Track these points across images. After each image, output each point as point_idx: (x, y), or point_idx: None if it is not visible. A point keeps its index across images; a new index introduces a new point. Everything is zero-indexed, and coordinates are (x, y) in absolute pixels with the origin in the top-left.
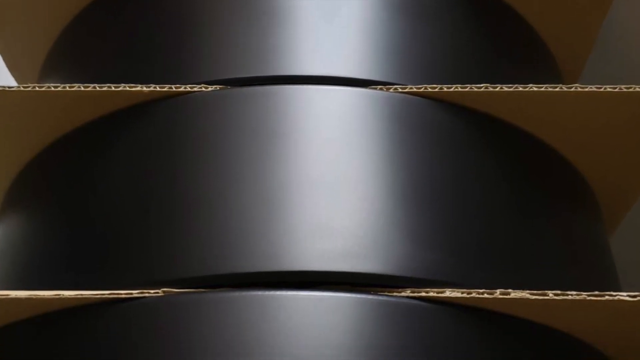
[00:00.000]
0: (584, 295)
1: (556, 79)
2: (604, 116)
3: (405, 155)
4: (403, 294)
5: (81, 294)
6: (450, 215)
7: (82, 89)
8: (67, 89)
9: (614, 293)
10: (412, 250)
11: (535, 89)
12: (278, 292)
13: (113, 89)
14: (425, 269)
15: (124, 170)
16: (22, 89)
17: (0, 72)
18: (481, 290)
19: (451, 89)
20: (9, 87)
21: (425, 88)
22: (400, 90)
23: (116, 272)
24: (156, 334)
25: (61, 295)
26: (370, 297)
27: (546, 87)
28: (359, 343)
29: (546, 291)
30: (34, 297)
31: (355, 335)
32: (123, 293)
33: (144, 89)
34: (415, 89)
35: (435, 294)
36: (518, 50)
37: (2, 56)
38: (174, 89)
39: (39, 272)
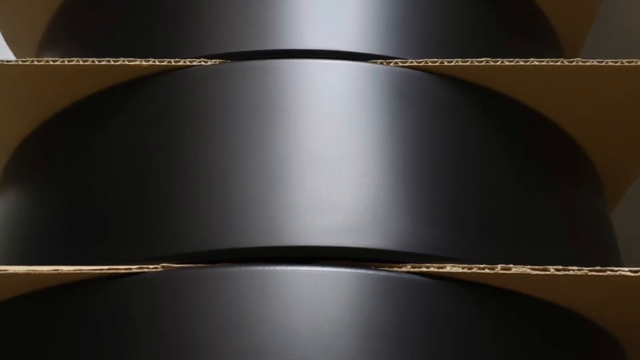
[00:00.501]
0: (585, 270)
1: (557, 53)
2: (605, 90)
3: (406, 130)
4: (403, 269)
5: (80, 269)
6: (451, 190)
7: (81, 63)
8: (66, 63)
9: (616, 268)
10: (413, 225)
11: (536, 63)
12: (278, 267)
13: (112, 63)
14: (425, 244)
15: (123, 145)
16: (20, 63)
17: None
18: (482, 266)
19: (452, 63)
20: (7, 61)
21: (426, 62)
22: (400, 64)
23: (115, 247)
24: (155, 309)
25: (60, 271)
26: (370, 272)
27: (547, 61)
28: (359, 318)
29: (547, 266)
30: (32, 272)
31: (355, 310)
32: (122, 268)
33: (143, 63)
34: (415, 63)
35: (435, 270)
36: (519, 24)
37: (1, 30)
38: (173, 63)
39: (37, 247)
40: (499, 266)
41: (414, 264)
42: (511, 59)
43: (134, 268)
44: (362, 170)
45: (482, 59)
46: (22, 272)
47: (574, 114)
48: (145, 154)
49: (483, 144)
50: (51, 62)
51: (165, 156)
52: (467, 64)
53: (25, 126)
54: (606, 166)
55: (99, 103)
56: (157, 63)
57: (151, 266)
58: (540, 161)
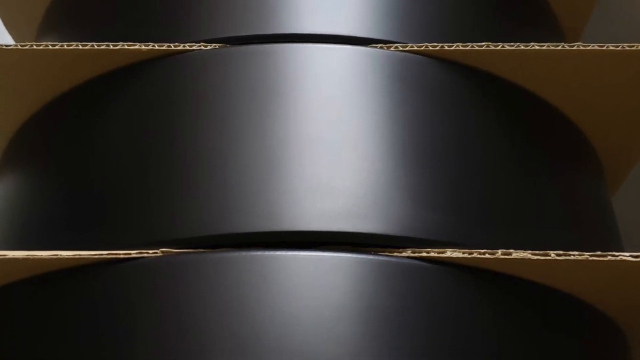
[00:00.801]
0: (586, 255)
1: (558, 37)
2: (606, 75)
3: (406, 114)
4: (404, 254)
5: (79, 254)
6: (452, 175)
7: (80, 47)
8: (65, 47)
9: (617, 253)
10: (413, 210)
11: (537, 47)
12: (278, 252)
13: (111, 47)
14: (426, 229)
15: (122, 129)
16: (19, 47)
17: None
18: (482, 251)
19: (452, 48)
20: (6, 46)
21: (426, 46)
22: (401, 48)
23: (114, 232)
24: (155, 294)
25: (59, 256)
26: (370, 257)
27: (548, 46)
28: (359, 303)
29: (548, 251)
30: (31, 257)
31: (355, 295)
32: (121, 253)
33: (143, 47)
34: (416, 48)
35: (436, 254)
36: (520, 8)
37: (0, 14)
38: (173, 48)
39: (36, 232)
40: (500, 251)
41: (414, 249)
42: (512, 44)
43: (134, 253)
44: (362, 155)
45: (483, 44)
46: (21, 257)
47: (575, 98)
48: (145, 138)
49: (483, 129)
50: (50, 47)
51: (164, 141)
52: (467, 48)
53: (25, 110)
54: (607, 150)
55: (98, 87)
56: (157, 47)
57: (150, 251)
58: (541, 145)
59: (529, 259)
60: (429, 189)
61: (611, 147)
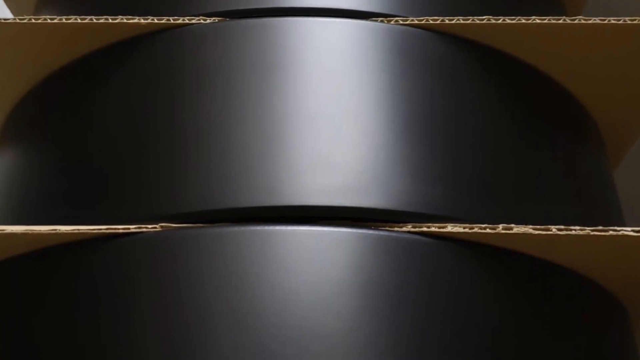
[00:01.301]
0: (587, 230)
1: (559, 11)
2: (607, 49)
3: (407, 89)
4: (404, 229)
5: (78, 229)
6: (452, 149)
7: (79, 21)
8: (64, 21)
9: (618, 228)
10: (414, 184)
11: (538, 21)
12: (277, 227)
13: (110, 21)
14: (426, 203)
15: (122, 104)
16: (18, 21)
17: None
18: (483, 225)
19: (453, 21)
20: (4, 19)
21: (427, 20)
22: (401, 22)
23: (113, 207)
24: (154, 269)
25: (58, 230)
26: (371, 232)
27: (549, 19)
28: (360, 278)
29: (549, 226)
30: (30, 232)
31: (355, 270)
32: (120, 228)
33: (142, 21)
34: (416, 21)
35: (436, 229)
36: None
37: None
38: (172, 21)
39: (35, 207)
40: (501, 226)
41: (414, 224)
42: (513, 17)
43: (133, 228)
44: (363, 129)
45: (484, 17)
46: (20, 231)
47: (576, 72)
48: (144, 112)
49: (484, 103)
50: (49, 20)
51: (163, 115)
52: (468, 22)
53: (23, 85)
54: (608, 125)
55: (97, 61)
56: (156, 21)
57: (150, 226)
58: (542, 120)
59: (530, 234)
60: (430, 164)
61: (612, 121)
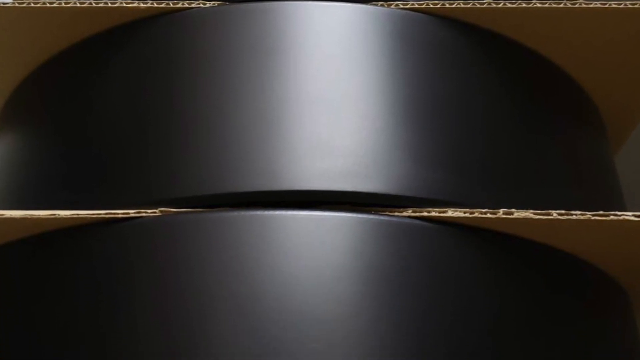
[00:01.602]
0: (588, 215)
1: None
2: (608, 33)
3: (407, 73)
4: (404, 213)
5: (77, 214)
6: (453, 134)
7: (78, 5)
8: (63, 5)
9: (619, 213)
10: (414, 169)
11: (538, 5)
12: (277, 212)
13: (109, 5)
14: (427, 188)
15: (121, 88)
16: (17, 4)
17: None
18: (484, 210)
19: (453, 5)
20: (3, 3)
21: (427, 4)
22: (401, 6)
23: (113, 192)
24: (153, 254)
25: (57, 215)
26: (371, 217)
27: (550, 3)
28: (360, 263)
29: (550, 211)
30: (29, 216)
31: (355, 255)
32: (120, 213)
33: (141, 5)
34: (417, 5)
35: (437, 214)
36: None
37: None
38: (172, 5)
39: (34, 192)
40: (501, 210)
41: (414, 209)
42: (514, 1)
43: (132, 212)
44: (363, 113)
45: (484, 1)
46: (18, 216)
47: (577, 56)
48: (143, 96)
49: (485, 87)
50: (48, 4)
51: (163, 99)
52: (469, 6)
53: (22, 69)
54: (609, 109)
55: (97, 45)
56: (155, 5)
57: (149, 211)
58: (543, 104)
59: (531, 219)
60: (430, 148)
61: (614, 105)
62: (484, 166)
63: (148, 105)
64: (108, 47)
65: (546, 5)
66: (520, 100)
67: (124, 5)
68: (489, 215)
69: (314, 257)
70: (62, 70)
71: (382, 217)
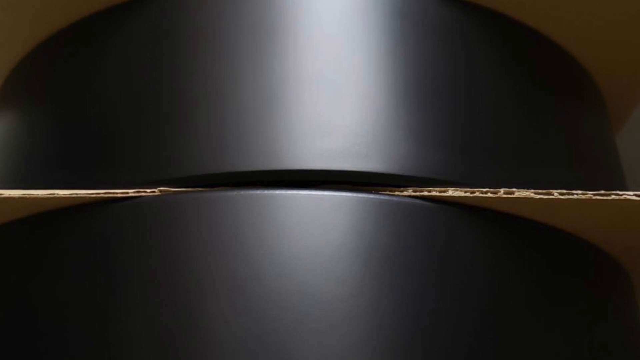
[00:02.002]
0: (589, 194)
1: None
2: (610, 12)
3: (408, 52)
4: (405, 193)
5: (76, 193)
6: (454, 113)
7: None
8: None
9: (621, 192)
10: (415, 148)
11: None
12: (277, 191)
13: None
14: (427, 167)
15: (120, 67)
16: None
17: None
18: (485, 190)
19: None
20: None
21: None
22: None
23: (112, 171)
24: (152, 233)
25: (56, 195)
26: (371, 196)
27: None
28: (360, 243)
29: (551, 190)
30: (27, 196)
31: (355, 235)
32: (119, 192)
33: None
34: None
35: (437, 193)
36: None
37: None
38: None
39: (33, 171)
40: (502, 190)
41: (415, 188)
42: None
43: (131, 192)
44: (363, 93)
45: None
46: (17, 196)
47: (579, 35)
48: (143, 75)
49: (486, 66)
50: None
51: (162, 78)
52: None
53: (21, 48)
54: (611, 88)
55: (96, 24)
56: None
57: (148, 190)
58: (544, 84)
59: (532, 198)
60: (431, 128)
61: (615, 85)
62: (485, 146)
63: (147, 85)
64: (107, 26)
65: None
66: (521, 80)
67: None
68: (489, 194)
69: (313, 236)
70: (61, 49)
71: (382, 197)
